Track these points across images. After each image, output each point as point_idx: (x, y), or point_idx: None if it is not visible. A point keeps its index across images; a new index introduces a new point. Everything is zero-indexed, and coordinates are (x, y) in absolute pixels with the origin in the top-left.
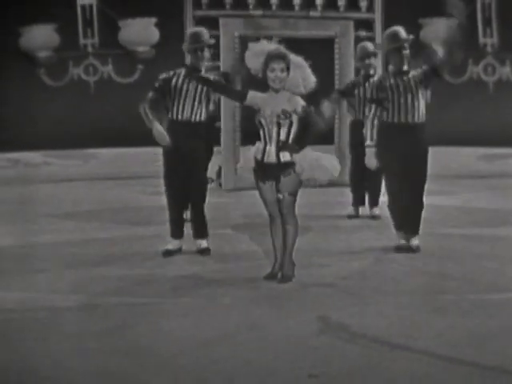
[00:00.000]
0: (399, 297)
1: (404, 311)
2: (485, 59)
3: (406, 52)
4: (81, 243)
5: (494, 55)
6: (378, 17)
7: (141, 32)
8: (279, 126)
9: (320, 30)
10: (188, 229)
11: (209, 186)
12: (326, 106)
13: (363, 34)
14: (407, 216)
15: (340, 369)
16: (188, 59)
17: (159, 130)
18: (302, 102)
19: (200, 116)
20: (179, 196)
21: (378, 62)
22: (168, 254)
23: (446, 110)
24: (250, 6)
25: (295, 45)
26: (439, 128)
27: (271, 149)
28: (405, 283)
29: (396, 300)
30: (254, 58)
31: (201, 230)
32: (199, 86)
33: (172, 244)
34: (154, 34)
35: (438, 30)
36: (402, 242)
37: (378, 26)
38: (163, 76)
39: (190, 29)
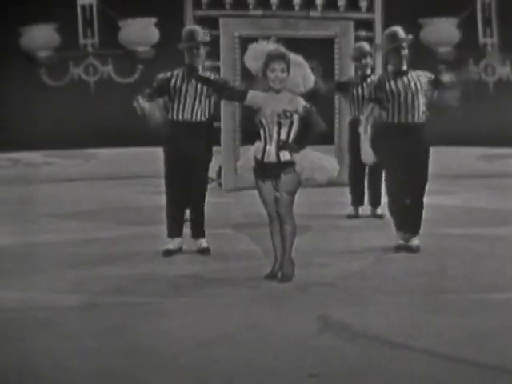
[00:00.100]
0: (399, 296)
1: (404, 311)
2: (485, 59)
3: (405, 52)
4: (81, 243)
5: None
6: (377, 17)
7: (141, 32)
8: (280, 125)
9: (320, 30)
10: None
11: (209, 186)
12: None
13: (363, 34)
14: (407, 216)
15: (340, 368)
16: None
17: (149, 108)
18: (303, 103)
19: (201, 116)
20: (179, 196)
21: (377, 62)
22: (168, 253)
23: (446, 110)
24: (250, 6)
25: (295, 45)
26: (439, 128)
27: (271, 148)
28: (405, 283)
29: (396, 300)
30: (254, 58)
31: (201, 230)
32: (199, 86)
33: (172, 243)
34: (154, 34)
35: (438, 30)
36: (401, 241)
37: (377, 26)
38: (161, 76)
39: (185, 27)
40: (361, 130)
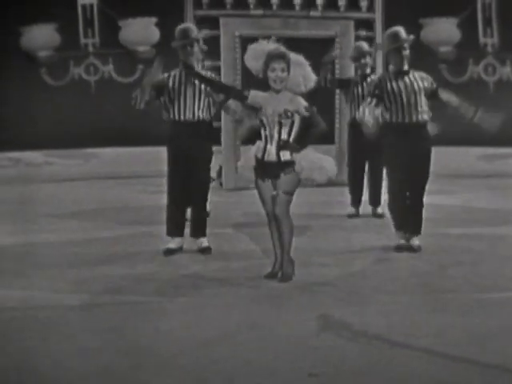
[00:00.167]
0: (399, 296)
1: (404, 310)
2: (485, 59)
3: (407, 52)
4: (82, 242)
5: (495, 55)
6: (378, 17)
7: (141, 32)
8: (281, 125)
9: (320, 29)
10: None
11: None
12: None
13: (363, 33)
14: (408, 216)
15: (340, 368)
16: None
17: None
18: (304, 103)
19: (202, 114)
20: (181, 195)
21: (378, 62)
22: (169, 252)
23: (446, 110)
24: (251, 6)
25: (295, 44)
26: (439, 128)
27: (272, 148)
28: (405, 282)
29: (396, 299)
30: (255, 58)
31: (201, 230)
32: (197, 84)
33: (173, 243)
34: (155, 34)
35: (438, 30)
36: (403, 241)
37: (378, 25)
38: (157, 79)
39: (179, 26)
40: (363, 105)
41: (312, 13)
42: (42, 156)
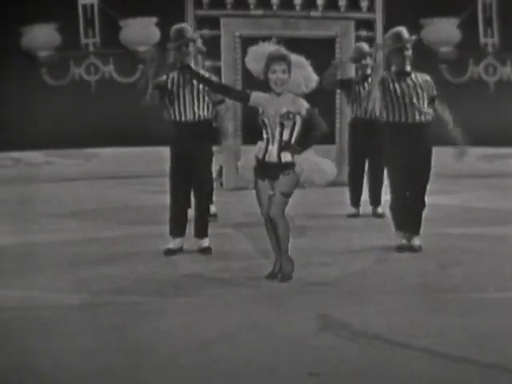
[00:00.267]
0: (399, 296)
1: (404, 310)
2: (485, 59)
3: (409, 53)
4: (82, 242)
5: (495, 55)
6: (378, 17)
7: (142, 32)
8: (282, 126)
9: (321, 29)
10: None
11: None
12: None
13: (364, 34)
14: (408, 215)
15: (340, 368)
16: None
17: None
18: (306, 104)
19: (202, 113)
20: (183, 196)
21: (378, 62)
22: (169, 252)
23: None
24: (251, 6)
25: (296, 45)
26: (439, 128)
27: (273, 149)
28: (405, 282)
29: (396, 299)
30: (255, 60)
31: (203, 230)
32: (195, 84)
33: (173, 243)
34: (155, 34)
35: (438, 30)
36: (403, 241)
37: (378, 26)
38: (156, 81)
39: (174, 26)
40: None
41: (312, 13)
42: (42, 156)
